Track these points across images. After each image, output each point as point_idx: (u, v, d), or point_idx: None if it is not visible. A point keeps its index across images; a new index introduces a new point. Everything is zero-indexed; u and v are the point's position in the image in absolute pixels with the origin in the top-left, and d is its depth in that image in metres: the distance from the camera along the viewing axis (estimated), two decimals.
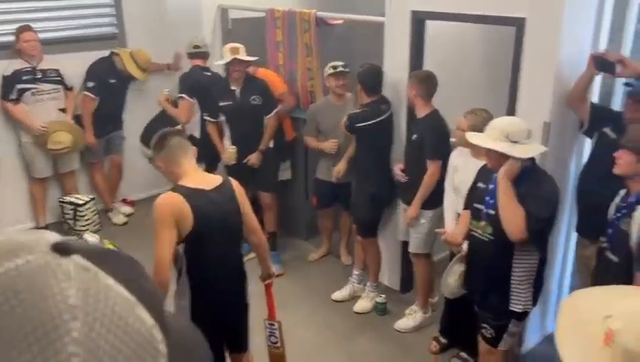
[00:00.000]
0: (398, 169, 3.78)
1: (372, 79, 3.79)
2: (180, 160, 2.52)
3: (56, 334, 0.43)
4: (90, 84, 4.97)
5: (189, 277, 2.51)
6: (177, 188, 2.49)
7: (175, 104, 4.78)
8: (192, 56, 4.80)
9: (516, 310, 2.72)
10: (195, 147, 2.66)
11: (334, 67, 4.09)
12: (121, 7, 5.34)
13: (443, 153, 3.48)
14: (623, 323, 1.09)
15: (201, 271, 2.53)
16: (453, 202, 3.42)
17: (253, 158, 4.32)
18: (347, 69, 4.08)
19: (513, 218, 2.54)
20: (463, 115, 3.18)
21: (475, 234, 2.80)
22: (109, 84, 5.03)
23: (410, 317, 3.90)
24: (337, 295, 4.19)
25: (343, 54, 4.35)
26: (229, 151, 4.31)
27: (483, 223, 2.74)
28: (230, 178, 2.70)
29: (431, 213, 3.61)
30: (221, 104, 4.31)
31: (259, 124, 4.33)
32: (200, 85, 4.63)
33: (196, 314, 2.48)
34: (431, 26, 3.67)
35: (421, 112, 3.56)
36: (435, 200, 3.53)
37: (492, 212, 2.68)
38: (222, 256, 2.57)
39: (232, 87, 4.30)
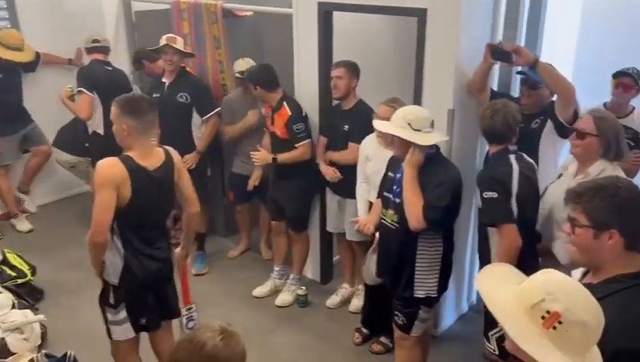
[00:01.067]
0: (329, 169, 3.73)
1: (268, 75, 3.76)
2: (145, 135, 2.56)
3: None
4: None
5: (121, 243, 2.58)
6: (126, 159, 2.52)
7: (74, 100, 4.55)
8: (90, 50, 4.58)
9: (420, 296, 2.78)
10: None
11: (240, 72, 4.13)
12: (14, 2, 4.98)
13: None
14: (565, 303, 1.18)
15: (131, 241, 2.58)
16: (365, 191, 3.47)
17: (190, 159, 4.10)
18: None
19: (413, 207, 2.61)
20: (383, 104, 3.22)
21: (385, 222, 2.85)
22: None
23: (339, 293, 4.03)
24: (258, 291, 4.15)
25: (252, 47, 4.30)
26: None
27: (391, 212, 2.79)
28: (169, 148, 2.72)
29: None
30: (153, 96, 4.09)
31: (185, 124, 4.16)
32: (100, 80, 4.44)
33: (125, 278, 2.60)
34: (339, 17, 3.68)
35: (350, 103, 3.61)
36: None
37: (398, 200, 2.73)
38: (153, 231, 2.66)
39: (163, 80, 4.15)
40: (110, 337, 2.75)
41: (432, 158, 2.70)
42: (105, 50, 4.60)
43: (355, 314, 3.84)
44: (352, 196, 3.59)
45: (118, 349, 2.79)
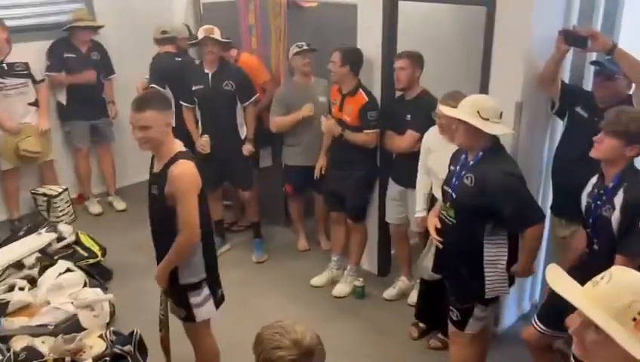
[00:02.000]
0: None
1: (358, 58, 3.76)
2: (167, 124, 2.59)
3: None
4: (48, 63, 4.88)
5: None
6: (186, 155, 2.60)
7: None
8: (160, 42, 4.71)
9: (490, 296, 2.69)
10: None
11: (299, 46, 4.10)
12: None
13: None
14: None
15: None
16: (425, 184, 3.42)
17: (246, 149, 4.29)
18: (312, 47, 4.11)
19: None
20: (442, 103, 3.12)
21: (442, 216, 2.78)
22: (68, 59, 4.91)
23: (397, 286, 4.01)
24: (316, 281, 4.18)
25: (315, 37, 4.31)
26: (202, 139, 4.25)
27: (449, 206, 2.73)
28: None
29: None
30: (194, 88, 4.23)
31: (232, 111, 4.25)
32: (170, 71, 4.55)
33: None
34: (404, 6, 3.63)
35: (414, 93, 3.57)
36: None
37: (455, 195, 2.66)
38: (206, 211, 2.71)
39: (206, 71, 4.22)
40: (194, 320, 2.76)
41: (490, 150, 2.59)
42: (173, 41, 4.72)
43: (413, 308, 3.80)
44: (415, 186, 3.54)
45: (201, 331, 2.84)
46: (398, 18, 3.65)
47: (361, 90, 3.76)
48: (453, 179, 2.70)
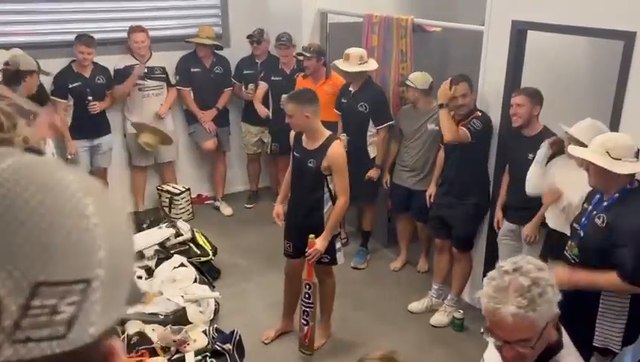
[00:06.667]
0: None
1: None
2: (319, 115, 3.29)
3: (78, 211, 0.48)
4: (177, 77, 5.25)
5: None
6: (335, 136, 3.42)
7: None
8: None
9: (597, 345, 2.53)
10: None
11: (411, 84, 4.14)
12: (227, 8, 5.59)
13: None
14: None
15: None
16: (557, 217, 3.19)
17: (372, 174, 4.45)
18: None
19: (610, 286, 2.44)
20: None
21: (567, 254, 2.65)
22: (194, 74, 5.24)
23: None
24: (414, 306, 4.12)
25: (438, 62, 4.30)
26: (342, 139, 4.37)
27: (574, 244, 2.59)
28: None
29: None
30: (342, 100, 4.51)
31: (362, 131, 4.42)
32: None
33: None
34: (531, 35, 3.52)
35: (534, 130, 3.42)
36: None
37: (582, 234, 2.54)
38: None
39: (350, 89, 4.46)
40: (335, 262, 3.49)
41: (628, 192, 2.44)
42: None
43: None
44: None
45: (331, 270, 3.58)
46: (525, 48, 3.55)
47: (477, 112, 3.72)
48: (584, 218, 2.59)
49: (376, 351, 1.61)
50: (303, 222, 3.41)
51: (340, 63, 4.39)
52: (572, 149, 2.67)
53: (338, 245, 3.48)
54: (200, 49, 5.25)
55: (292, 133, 3.44)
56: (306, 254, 3.34)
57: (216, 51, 5.36)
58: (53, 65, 4.60)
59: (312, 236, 3.32)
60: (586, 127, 2.84)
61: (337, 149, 3.26)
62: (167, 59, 5.22)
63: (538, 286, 1.47)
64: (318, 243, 3.30)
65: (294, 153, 3.44)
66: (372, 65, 4.39)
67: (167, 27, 5.44)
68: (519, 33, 3.51)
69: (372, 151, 4.47)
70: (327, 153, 3.23)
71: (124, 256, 0.52)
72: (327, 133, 3.34)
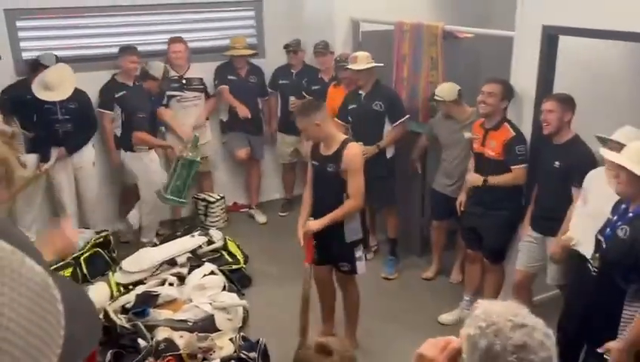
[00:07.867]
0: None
1: (512, 93, 3.66)
2: (328, 119, 3.37)
3: None
4: (216, 81, 5.34)
5: None
6: (351, 139, 3.40)
7: None
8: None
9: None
10: None
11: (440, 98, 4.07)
12: (262, 19, 5.67)
13: None
14: None
15: None
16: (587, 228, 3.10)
17: (369, 151, 4.25)
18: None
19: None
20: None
21: (588, 265, 2.56)
22: (231, 82, 5.30)
23: None
24: (444, 318, 4.05)
25: (468, 68, 4.22)
26: None
27: (596, 255, 2.50)
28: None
29: None
30: (349, 107, 4.48)
31: (378, 129, 4.40)
32: None
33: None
34: (564, 40, 3.42)
35: (563, 138, 3.33)
36: None
37: (605, 245, 2.44)
38: None
39: (360, 92, 4.44)
40: (355, 272, 3.47)
41: None
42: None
43: None
44: (554, 233, 3.29)
45: (354, 280, 3.57)
46: (558, 53, 3.44)
47: (506, 123, 3.62)
48: (608, 229, 2.50)
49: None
50: (326, 228, 3.40)
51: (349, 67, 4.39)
52: (606, 153, 2.58)
53: (358, 254, 3.43)
54: (236, 60, 5.33)
55: (306, 144, 3.47)
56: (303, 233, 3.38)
57: (251, 61, 5.44)
58: (98, 77, 4.86)
59: (311, 218, 3.36)
60: (634, 134, 2.75)
61: (353, 150, 3.27)
62: (205, 70, 5.33)
63: None
64: (312, 224, 3.31)
65: (312, 162, 3.48)
66: (379, 63, 4.40)
67: (204, 39, 5.56)
68: (550, 38, 3.41)
69: (389, 152, 4.44)
70: (343, 155, 3.25)
71: (33, 327, 0.51)
72: (343, 136, 3.38)
